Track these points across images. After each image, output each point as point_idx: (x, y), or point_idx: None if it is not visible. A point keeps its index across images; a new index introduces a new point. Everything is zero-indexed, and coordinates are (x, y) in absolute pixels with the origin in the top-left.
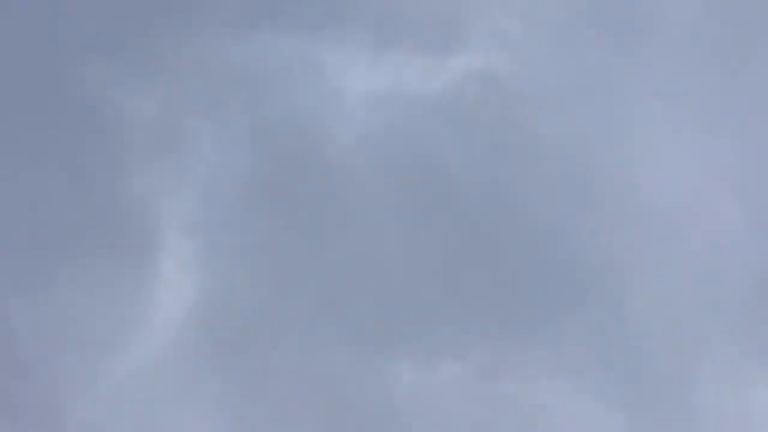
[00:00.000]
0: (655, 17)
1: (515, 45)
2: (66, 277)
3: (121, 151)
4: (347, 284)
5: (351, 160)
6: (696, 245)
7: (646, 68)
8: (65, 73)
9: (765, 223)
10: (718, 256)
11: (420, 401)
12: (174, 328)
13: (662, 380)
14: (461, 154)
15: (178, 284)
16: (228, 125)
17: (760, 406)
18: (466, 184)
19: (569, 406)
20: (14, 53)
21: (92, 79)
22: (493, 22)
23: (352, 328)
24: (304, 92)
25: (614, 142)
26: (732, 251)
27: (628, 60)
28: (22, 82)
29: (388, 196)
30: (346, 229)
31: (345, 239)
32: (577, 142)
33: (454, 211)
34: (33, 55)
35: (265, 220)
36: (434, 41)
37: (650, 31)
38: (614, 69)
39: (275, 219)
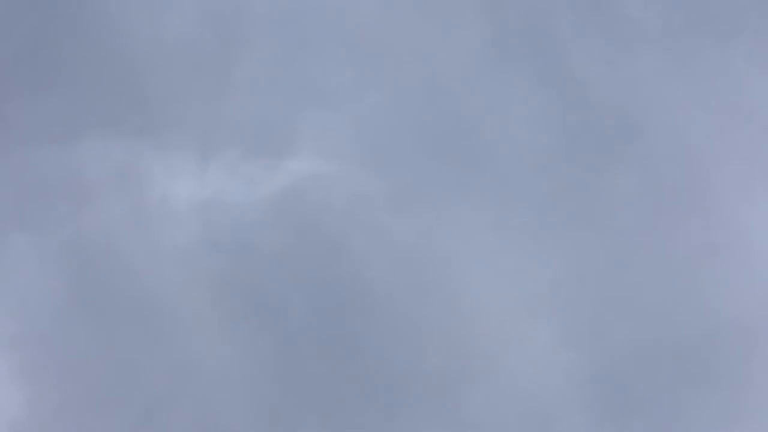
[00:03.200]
0: (486, 124)
1: (345, 150)
2: None
3: None
4: (170, 397)
5: (174, 270)
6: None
7: (477, 172)
8: None
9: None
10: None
11: None
12: None
13: None
14: (290, 261)
15: None
16: (43, 238)
17: None
18: (294, 292)
19: None
20: None
21: None
22: (322, 126)
23: None
24: (127, 201)
25: (449, 246)
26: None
27: (460, 164)
28: None
29: (214, 308)
30: (170, 341)
31: (167, 352)
32: (411, 249)
33: (283, 320)
34: None
35: (84, 334)
36: (262, 147)
37: (482, 134)
38: (446, 174)
39: (94, 333)
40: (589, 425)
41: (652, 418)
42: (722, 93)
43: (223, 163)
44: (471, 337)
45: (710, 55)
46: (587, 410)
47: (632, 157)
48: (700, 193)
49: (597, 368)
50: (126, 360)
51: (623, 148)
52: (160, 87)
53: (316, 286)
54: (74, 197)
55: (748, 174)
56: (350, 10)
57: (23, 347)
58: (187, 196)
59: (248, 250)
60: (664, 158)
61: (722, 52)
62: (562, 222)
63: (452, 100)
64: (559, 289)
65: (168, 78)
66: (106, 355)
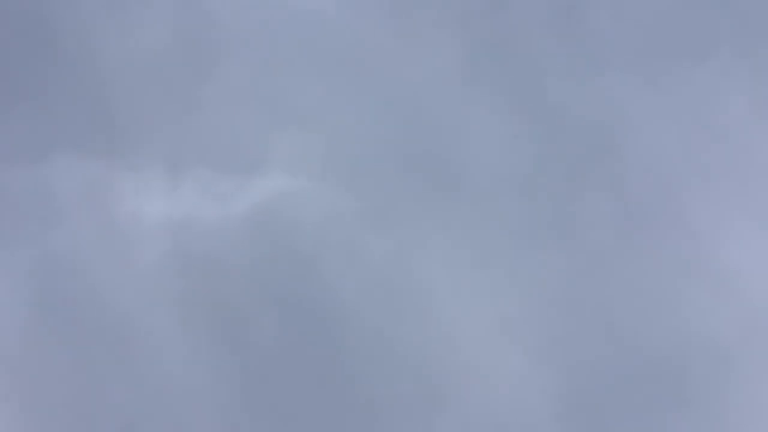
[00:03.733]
0: (459, 144)
1: (317, 168)
2: None
3: None
4: (140, 417)
5: (144, 289)
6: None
7: (450, 191)
8: None
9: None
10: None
11: None
12: None
13: None
14: (262, 280)
15: None
16: (11, 257)
17: None
18: (266, 311)
19: None
20: None
21: None
22: (294, 144)
23: None
24: (96, 220)
25: (422, 265)
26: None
27: (434, 183)
28: None
29: (184, 326)
30: (140, 360)
31: (137, 371)
32: (383, 268)
33: (255, 338)
34: None
35: (52, 354)
36: (234, 164)
37: (455, 153)
38: (419, 193)
39: (62, 352)
40: None
41: None
42: (696, 112)
43: (194, 181)
44: (444, 356)
45: (684, 75)
46: (561, 431)
47: (606, 177)
48: (673, 213)
49: (571, 389)
50: (95, 380)
51: (596, 168)
52: (130, 105)
53: (288, 305)
54: (43, 216)
55: (722, 193)
56: (322, 28)
57: None
58: (157, 215)
59: (219, 269)
60: (638, 178)
61: (696, 71)
62: (536, 241)
63: (425, 120)
64: (533, 309)
65: (138, 96)
66: (75, 375)
